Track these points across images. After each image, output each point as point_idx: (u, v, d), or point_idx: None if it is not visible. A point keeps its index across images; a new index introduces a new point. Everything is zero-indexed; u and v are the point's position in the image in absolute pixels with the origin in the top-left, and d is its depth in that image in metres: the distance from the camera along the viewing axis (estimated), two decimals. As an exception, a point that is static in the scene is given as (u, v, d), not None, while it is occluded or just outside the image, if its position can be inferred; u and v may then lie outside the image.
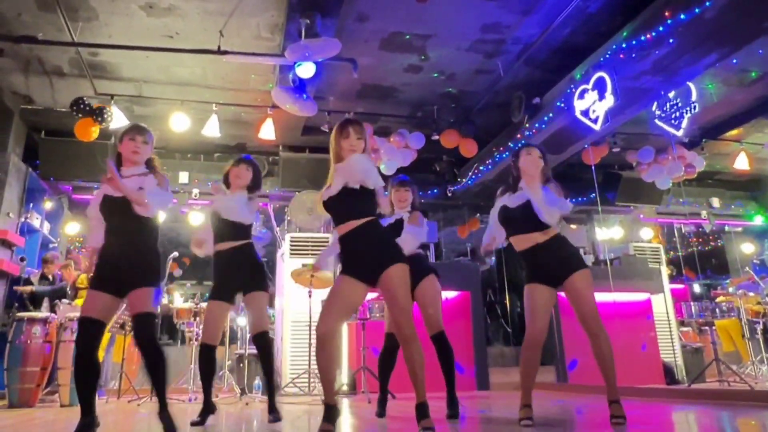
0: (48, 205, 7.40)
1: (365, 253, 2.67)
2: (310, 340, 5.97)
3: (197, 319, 5.64)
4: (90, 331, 2.80)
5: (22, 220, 6.77)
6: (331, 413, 2.61)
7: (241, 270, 3.60)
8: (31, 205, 7.06)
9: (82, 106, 6.21)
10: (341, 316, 2.75)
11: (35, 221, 7.04)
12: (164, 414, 2.82)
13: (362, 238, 2.68)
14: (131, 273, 2.85)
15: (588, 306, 3.01)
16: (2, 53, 5.75)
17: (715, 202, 9.77)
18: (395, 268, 2.62)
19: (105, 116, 6.24)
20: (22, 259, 6.63)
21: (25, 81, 6.39)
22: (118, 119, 6.40)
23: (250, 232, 3.74)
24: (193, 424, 3.37)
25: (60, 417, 4.33)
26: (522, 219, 3.11)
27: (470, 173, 8.31)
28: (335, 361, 2.76)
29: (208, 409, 3.54)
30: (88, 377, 2.79)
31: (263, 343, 3.66)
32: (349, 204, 2.71)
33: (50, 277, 6.66)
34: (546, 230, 3.09)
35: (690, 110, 6.31)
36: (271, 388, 3.70)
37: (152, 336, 2.90)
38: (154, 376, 2.88)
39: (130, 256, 2.87)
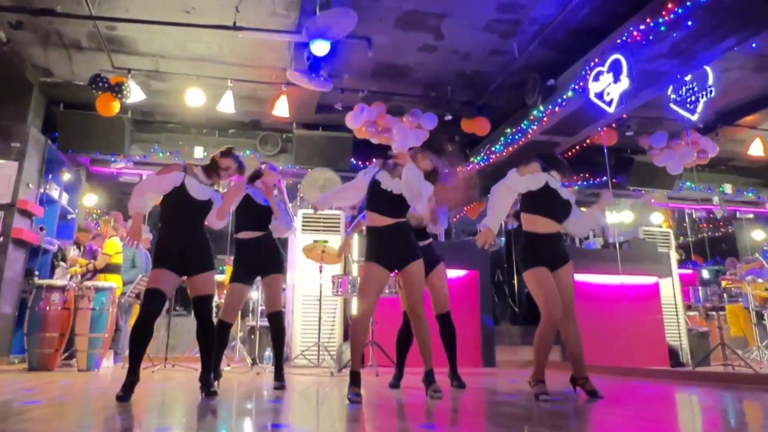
0: (66, 176, 7.54)
1: (398, 245, 3.32)
2: (320, 314, 6.10)
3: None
4: (155, 300, 3.23)
5: (42, 191, 6.91)
6: (358, 379, 3.12)
7: (261, 256, 4.01)
8: (50, 176, 7.20)
9: (100, 83, 6.28)
10: (375, 298, 3.27)
11: (54, 192, 7.18)
12: (205, 377, 3.34)
13: (397, 233, 3.33)
14: (199, 258, 3.38)
15: (570, 295, 3.38)
16: (22, 26, 5.81)
17: (728, 188, 9.70)
18: (419, 263, 3.34)
19: (123, 91, 6.33)
20: (41, 229, 6.79)
21: (44, 54, 6.46)
22: (135, 93, 6.48)
23: (269, 223, 4.06)
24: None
25: (77, 380, 4.49)
26: (562, 206, 3.42)
27: (482, 154, 8.32)
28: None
29: (216, 375, 3.88)
30: (144, 341, 3.21)
31: (277, 321, 4.07)
32: (398, 203, 3.33)
33: (81, 247, 6.84)
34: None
35: (706, 95, 6.26)
36: (279, 361, 4.08)
37: (212, 314, 3.45)
38: (206, 344, 3.39)
39: (198, 243, 3.40)
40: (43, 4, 5.44)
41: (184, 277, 3.42)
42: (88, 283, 5.70)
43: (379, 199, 3.37)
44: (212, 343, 3.44)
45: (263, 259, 4.00)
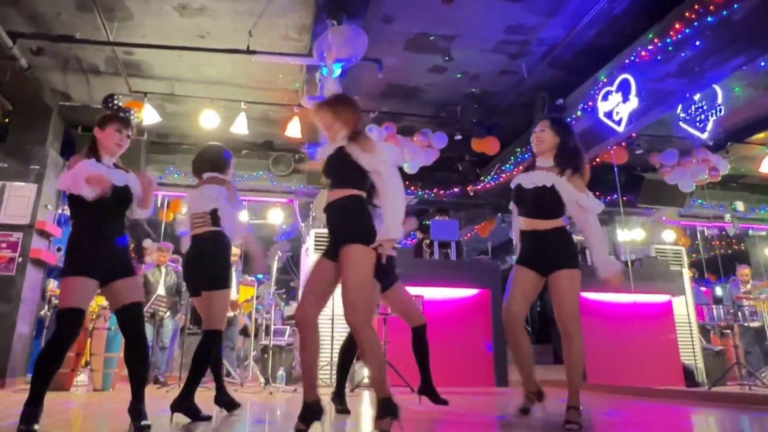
0: (83, 198, 7.68)
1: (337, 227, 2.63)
2: (332, 333, 6.12)
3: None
4: (76, 323, 2.69)
5: (59, 211, 7.05)
6: (310, 412, 2.51)
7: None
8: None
9: (111, 104, 6.43)
10: (317, 298, 2.68)
11: (71, 213, 7.32)
12: (137, 407, 2.73)
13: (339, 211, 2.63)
14: (124, 262, 2.84)
15: (566, 306, 2.95)
16: (42, 52, 5.97)
17: (740, 205, 9.63)
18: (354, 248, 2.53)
19: (132, 115, 6.46)
20: (59, 249, 6.90)
21: (63, 79, 6.63)
22: (151, 116, 6.60)
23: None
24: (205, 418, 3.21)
25: (93, 400, 4.53)
26: (532, 203, 3.08)
27: (492, 173, 8.37)
28: (317, 349, 2.62)
29: (225, 398, 3.56)
30: (56, 368, 2.66)
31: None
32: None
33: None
34: (551, 220, 3.04)
35: (715, 113, 6.27)
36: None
37: (144, 328, 2.88)
38: (139, 368, 2.82)
39: (123, 246, 2.86)
40: (63, 31, 5.61)
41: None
42: (104, 303, 5.77)
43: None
44: (146, 363, 2.90)
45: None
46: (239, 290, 7.12)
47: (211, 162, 3.67)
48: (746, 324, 5.98)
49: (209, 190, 3.48)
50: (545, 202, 3.03)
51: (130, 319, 2.81)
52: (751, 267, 9.91)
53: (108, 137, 2.97)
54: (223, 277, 3.37)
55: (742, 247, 10.74)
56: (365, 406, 4.21)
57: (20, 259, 6.29)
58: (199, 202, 3.45)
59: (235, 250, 7.19)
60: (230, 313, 6.78)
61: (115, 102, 6.35)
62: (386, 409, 2.38)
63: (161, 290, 6.54)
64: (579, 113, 6.29)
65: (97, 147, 2.97)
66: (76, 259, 2.73)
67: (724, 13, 4.62)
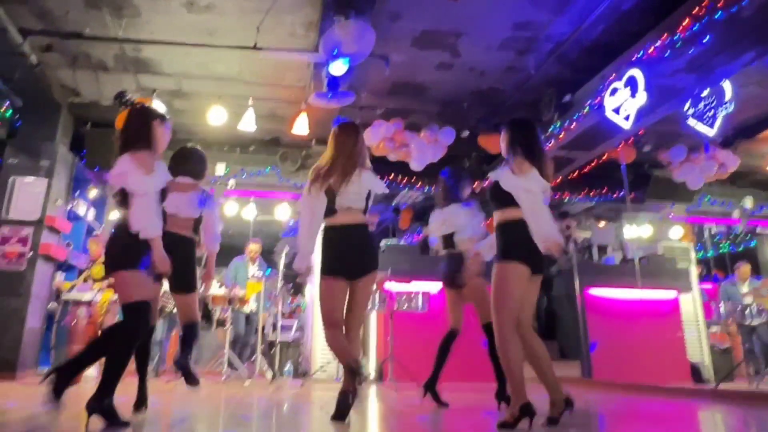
0: (93, 193, 7.74)
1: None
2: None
3: (231, 304, 5.89)
4: (148, 313, 2.89)
5: (69, 207, 7.11)
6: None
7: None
8: (78, 193, 7.40)
9: (123, 100, 6.49)
10: None
11: (81, 209, 7.39)
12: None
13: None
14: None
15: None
16: (51, 48, 6.02)
17: (748, 202, 9.55)
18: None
19: None
20: (68, 245, 6.98)
21: (72, 75, 6.67)
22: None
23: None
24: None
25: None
26: (490, 198, 3.26)
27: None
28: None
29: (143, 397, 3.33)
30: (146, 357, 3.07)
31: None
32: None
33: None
34: (500, 211, 3.14)
35: (724, 109, 6.23)
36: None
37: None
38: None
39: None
40: (72, 28, 5.65)
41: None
42: (114, 297, 5.83)
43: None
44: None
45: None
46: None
47: (197, 168, 3.88)
48: (747, 323, 5.93)
49: (196, 197, 3.60)
50: (496, 196, 3.14)
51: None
52: (760, 264, 9.86)
53: (166, 135, 3.02)
54: (196, 280, 3.59)
55: (751, 245, 10.66)
56: (372, 400, 4.24)
57: (30, 254, 6.36)
58: (188, 208, 3.55)
59: (255, 247, 7.25)
60: (247, 310, 6.82)
61: (127, 98, 6.44)
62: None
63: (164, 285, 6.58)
64: (586, 110, 6.27)
65: (154, 139, 2.93)
66: (132, 254, 2.83)
67: (734, 9, 4.58)
